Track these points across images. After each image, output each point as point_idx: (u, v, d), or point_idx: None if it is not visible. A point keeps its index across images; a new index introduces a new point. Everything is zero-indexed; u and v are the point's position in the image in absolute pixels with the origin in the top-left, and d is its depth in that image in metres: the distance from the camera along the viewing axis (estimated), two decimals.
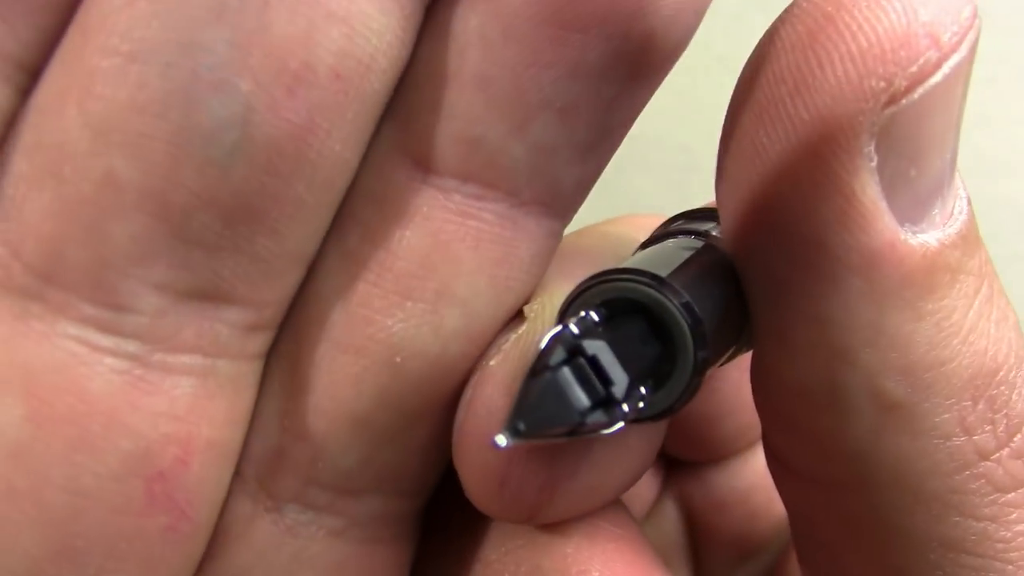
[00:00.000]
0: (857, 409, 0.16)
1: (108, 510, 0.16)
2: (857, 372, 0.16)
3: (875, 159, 0.15)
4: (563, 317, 0.16)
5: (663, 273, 0.16)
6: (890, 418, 0.16)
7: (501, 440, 0.14)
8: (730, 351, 0.19)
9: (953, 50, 0.15)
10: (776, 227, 0.16)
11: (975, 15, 0.15)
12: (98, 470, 0.16)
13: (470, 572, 0.19)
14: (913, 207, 0.16)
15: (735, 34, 0.59)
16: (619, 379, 0.15)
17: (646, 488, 0.28)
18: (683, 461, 0.28)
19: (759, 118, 0.16)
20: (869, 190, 0.15)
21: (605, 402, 0.15)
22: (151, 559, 0.17)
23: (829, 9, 0.15)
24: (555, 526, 0.18)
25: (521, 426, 0.14)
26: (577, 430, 0.15)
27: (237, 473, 0.18)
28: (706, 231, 0.19)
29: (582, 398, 0.15)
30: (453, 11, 0.16)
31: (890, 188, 0.15)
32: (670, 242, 0.19)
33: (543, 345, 0.15)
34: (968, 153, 0.59)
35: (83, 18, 0.15)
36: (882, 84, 0.15)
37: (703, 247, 0.18)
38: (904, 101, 0.15)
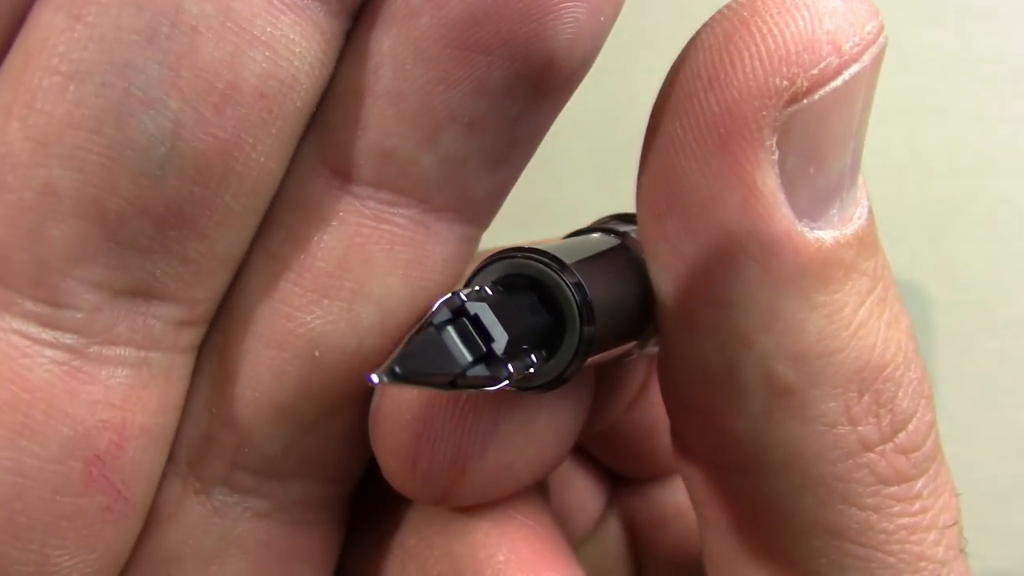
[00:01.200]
0: (751, 391, 0.17)
1: (50, 490, 0.17)
2: (752, 354, 0.17)
3: (776, 154, 0.16)
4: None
5: (564, 257, 0.17)
6: (780, 402, 0.17)
7: (375, 378, 0.15)
8: (633, 343, 0.20)
9: (854, 59, 0.16)
10: (687, 212, 0.17)
11: (880, 31, 0.17)
12: (39, 453, 0.17)
13: (392, 556, 0.20)
14: (811, 204, 0.17)
15: None
16: (499, 337, 0.16)
17: (591, 505, 0.29)
18: (626, 478, 0.29)
19: (676, 111, 0.17)
20: (769, 181, 0.16)
21: (487, 359, 0.16)
22: (90, 537, 0.18)
23: (745, 14, 0.16)
24: (469, 514, 0.19)
25: (397, 369, 0.15)
26: (458, 382, 0.16)
27: (170, 458, 0.19)
28: (625, 232, 0.20)
29: (463, 352, 0.16)
30: (369, 34, 0.17)
31: (790, 183, 0.16)
32: (591, 236, 0.21)
33: (433, 308, 0.16)
34: (968, 153, 0.59)
35: (25, 40, 0.17)
36: (785, 83, 0.16)
37: (616, 244, 0.20)
38: (805, 101, 0.16)
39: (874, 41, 0.17)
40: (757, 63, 0.16)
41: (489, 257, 0.17)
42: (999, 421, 0.52)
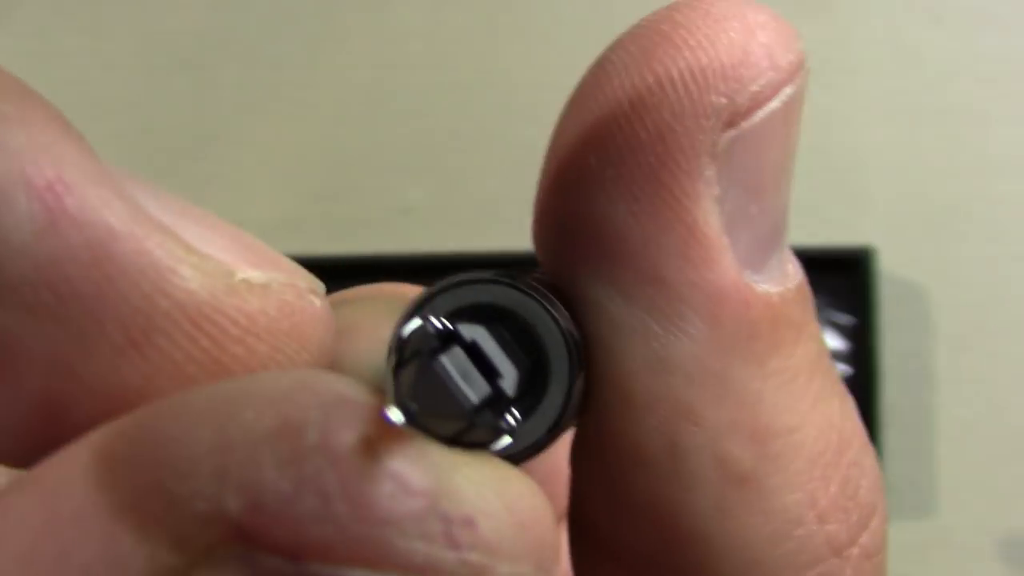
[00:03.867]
0: (701, 479, 0.14)
1: None
2: (702, 433, 0.14)
3: (717, 188, 0.14)
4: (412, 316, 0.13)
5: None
6: (738, 493, 0.14)
7: (392, 416, 0.11)
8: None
9: (790, 77, 0.14)
10: (612, 262, 0.14)
11: (803, 55, 0.15)
12: None
13: None
14: (754, 251, 0.14)
15: None
16: (507, 373, 0.12)
17: None
18: None
19: (590, 143, 0.14)
20: (712, 220, 0.14)
21: (494, 402, 0.12)
22: None
23: (664, 28, 0.14)
24: None
25: (412, 406, 0.11)
26: (463, 434, 0.12)
27: None
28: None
29: (466, 392, 0.12)
30: None
31: (732, 225, 0.14)
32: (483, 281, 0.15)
33: (402, 332, 0.12)
34: (968, 153, 0.59)
35: None
36: (723, 100, 0.14)
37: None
38: (745, 124, 0.14)
39: (802, 63, 0.14)
40: (689, 80, 0.14)
41: (442, 283, 0.13)
42: (999, 421, 0.52)
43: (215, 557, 0.11)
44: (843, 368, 0.52)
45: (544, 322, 0.13)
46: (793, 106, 0.14)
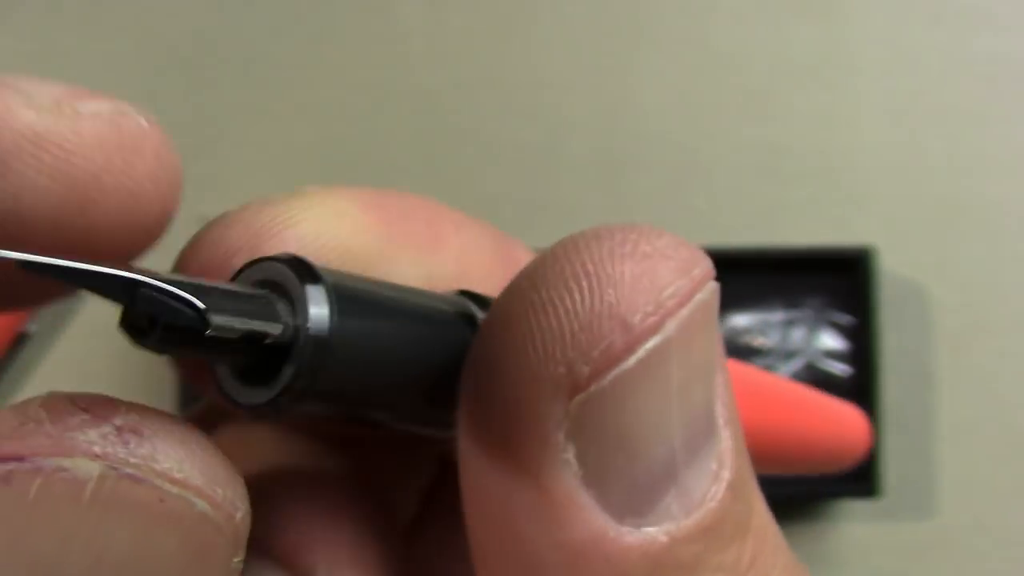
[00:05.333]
0: None
1: None
2: None
3: (572, 449, 0.14)
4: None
5: (337, 277, 0.14)
6: None
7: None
8: (411, 414, 0.16)
9: (649, 332, 0.14)
10: (484, 526, 0.15)
11: (701, 281, 0.14)
12: None
13: None
14: (631, 497, 0.14)
15: (735, 34, 0.59)
16: (272, 329, 0.14)
17: None
18: None
19: (464, 402, 0.15)
20: (563, 483, 0.14)
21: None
22: None
23: (524, 285, 0.14)
24: None
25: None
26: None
27: None
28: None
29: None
30: None
31: (597, 478, 0.14)
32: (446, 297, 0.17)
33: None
34: (968, 153, 0.59)
35: None
36: (561, 370, 0.13)
37: (453, 311, 0.16)
38: (593, 388, 0.14)
39: (685, 301, 0.14)
40: (531, 348, 0.14)
41: (248, 261, 0.15)
42: (999, 421, 0.52)
43: None
44: (843, 368, 0.52)
45: (299, 295, 0.14)
46: (662, 355, 0.14)
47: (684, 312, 0.14)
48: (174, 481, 0.12)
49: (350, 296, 0.14)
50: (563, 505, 0.14)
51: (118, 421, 0.12)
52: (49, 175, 0.15)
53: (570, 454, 0.14)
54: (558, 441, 0.14)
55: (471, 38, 0.55)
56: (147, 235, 0.16)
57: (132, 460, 0.12)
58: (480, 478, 0.14)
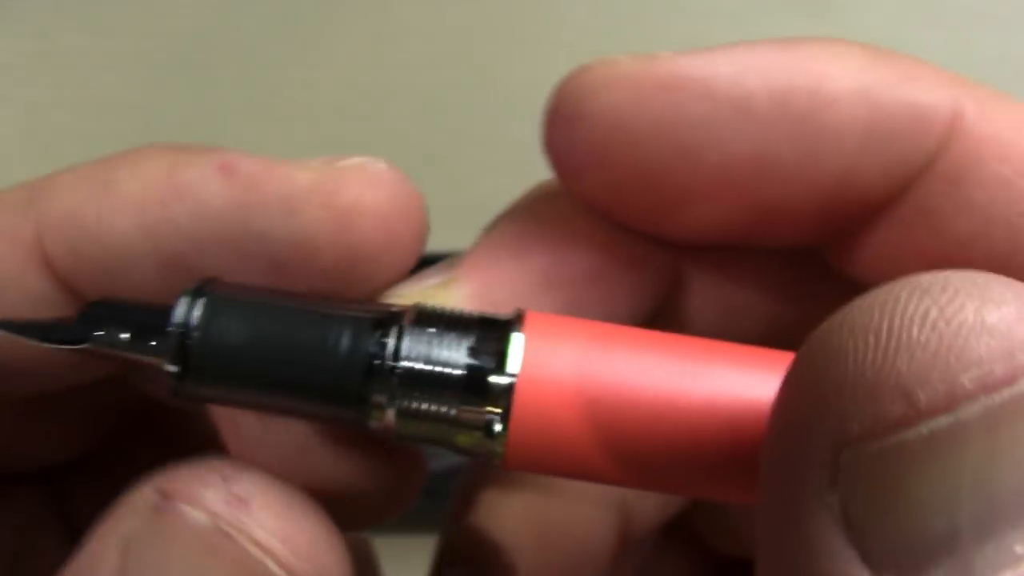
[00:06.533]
0: None
1: None
2: None
3: (835, 494, 0.14)
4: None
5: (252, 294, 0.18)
6: None
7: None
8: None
9: (936, 411, 0.13)
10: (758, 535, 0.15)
11: (1009, 378, 0.13)
12: None
13: None
14: (897, 556, 0.13)
15: (735, 34, 0.59)
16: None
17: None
18: (732, 559, 0.27)
19: (764, 448, 0.15)
20: (820, 523, 0.14)
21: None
22: None
23: (833, 326, 0.14)
24: None
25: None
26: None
27: None
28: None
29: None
30: None
31: (860, 528, 0.14)
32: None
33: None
34: None
35: None
36: (833, 420, 0.13)
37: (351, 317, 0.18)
38: (863, 446, 0.13)
39: (995, 387, 0.13)
40: (818, 397, 0.13)
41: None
42: None
43: None
44: None
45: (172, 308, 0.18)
46: (959, 435, 0.13)
47: (995, 398, 0.13)
48: (257, 545, 0.17)
49: (223, 303, 0.17)
50: (816, 541, 0.13)
51: (236, 488, 0.17)
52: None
53: (833, 498, 0.13)
54: (820, 483, 0.13)
55: (471, 38, 0.55)
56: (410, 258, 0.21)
57: (232, 521, 0.17)
58: (769, 506, 0.15)
